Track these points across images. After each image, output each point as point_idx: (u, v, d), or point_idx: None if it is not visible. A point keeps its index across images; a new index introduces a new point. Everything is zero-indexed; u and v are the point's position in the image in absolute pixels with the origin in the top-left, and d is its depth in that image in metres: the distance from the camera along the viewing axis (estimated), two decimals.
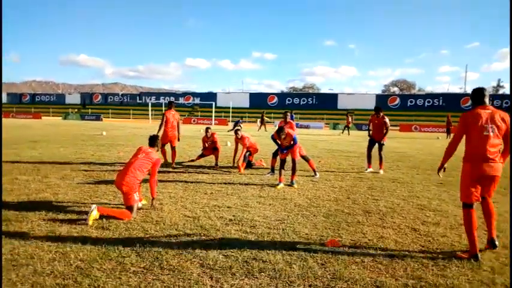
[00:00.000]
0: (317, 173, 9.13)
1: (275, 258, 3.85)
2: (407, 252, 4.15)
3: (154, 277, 3.38)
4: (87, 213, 5.05)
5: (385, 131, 9.84)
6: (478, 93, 4.18)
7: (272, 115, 45.05)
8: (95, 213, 4.87)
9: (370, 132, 10.21)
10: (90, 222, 4.79)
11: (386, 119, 9.92)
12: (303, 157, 9.14)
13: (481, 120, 4.00)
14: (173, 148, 10.24)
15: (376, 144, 10.00)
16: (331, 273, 3.55)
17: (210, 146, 10.76)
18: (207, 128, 10.98)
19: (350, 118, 33.25)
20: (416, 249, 4.29)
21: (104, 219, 4.95)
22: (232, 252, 4.00)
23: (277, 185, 7.62)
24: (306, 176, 9.10)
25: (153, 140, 5.96)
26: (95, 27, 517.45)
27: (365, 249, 4.22)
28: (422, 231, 4.94)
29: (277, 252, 4.03)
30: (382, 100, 64.96)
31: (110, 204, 5.91)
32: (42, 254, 3.81)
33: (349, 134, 31.80)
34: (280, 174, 7.82)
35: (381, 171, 9.66)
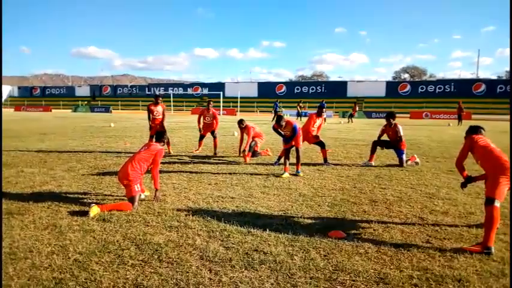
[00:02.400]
0: (328, 162, 9.00)
1: (276, 250, 3.76)
2: (413, 243, 4.02)
3: (152, 270, 3.32)
4: (90, 204, 5.03)
5: (398, 139, 8.92)
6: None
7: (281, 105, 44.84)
8: (95, 209, 4.83)
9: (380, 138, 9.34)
10: (91, 215, 4.76)
11: (399, 128, 8.96)
12: (319, 143, 9.03)
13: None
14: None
15: (393, 150, 9.24)
16: (333, 264, 3.45)
17: (209, 123, 10.83)
18: (210, 101, 11.08)
19: (357, 107, 32.96)
20: (423, 239, 4.16)
21: (106, 211, 4.92)
22: (233, 244, 3.93)
23: (282, 174, 7.51)
24: (313, 164, 8.98)
25: (159, 135, 5.86)
26: (104, 18, 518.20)
27: (370, 239, 4.11)
28: (430, 221, 4.80)
29: (279, 243, 3.95)
30: (392, 87, 64.03)
31: (113, 196, 5.88)
32: (41, 247, 3.78)
33: (352, 122, 31.55)
34: (285, 163, 7.72)
35: (409, 162, 9.04)
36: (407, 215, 5.05)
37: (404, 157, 8.95)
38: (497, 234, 4.08)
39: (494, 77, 76.76)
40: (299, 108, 33.86)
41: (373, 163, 9.11)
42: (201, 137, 11.18)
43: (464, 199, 5.86)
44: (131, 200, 5.16)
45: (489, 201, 3.87)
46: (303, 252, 3.72)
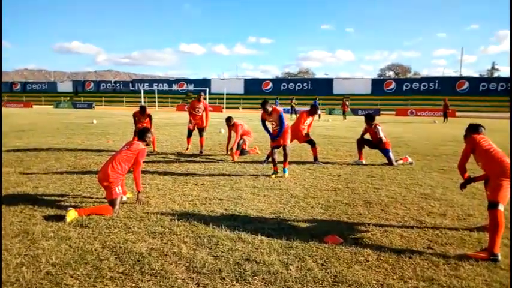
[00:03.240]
0: (319, 161, 8.76)
1: (270, 259, 3.47)
2: (414, 248, 3.78)
3: (133, 284, 3.00)
4: (67, 208, 4.66)
5: (379, 140, 8.74)
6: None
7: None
8: (72, 214, 4.46)
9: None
10: (68, 220, 4.39)
11: (378, 129, 8.76)
12: (310, 141, 8.78)
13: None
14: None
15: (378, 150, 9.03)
16: (332, 275, 3.18)
17: (199, 115, 10.25)
18: (201, 93, 10.50)
19: (347, 103, 32.82)
20: (424, 244, 3.92)
21: (84, 216, 4.56)
22: (222, 252, 3.62)
23: (272, 174, 7.22)
24: (303, 163, 8.72)
25: (142, 134, 5.45)
26: (88, 12, 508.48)
27: (368, 245, 3.85)
28: (428, 224, 4.58)
29: (272, 251, 3.65)
30: (377, 84, 64.47)
31: (92, 198, 5.50)
32: (10, 259, 3.40)
33: (345, 119, 31.52)
34: (273, 163, 7.40)
35: (400, 161, 8.85)
36: (404, 218, 4.82)
37: (391, 155, 8.76)
38: (502, 239, 3.88)
39: (476, 75, 78.03)
40: (294, 105, 33.40)
41: (363, 161, 8.92)
42: (189, 133, 10.53)
43: (460, 200, 5.67)
44: (111, 203, 4.80)
45: (493, 205, 3.65)
46: (298, 261, 3.44)
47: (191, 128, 10.38)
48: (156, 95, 56.07)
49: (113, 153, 5.87)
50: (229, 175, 7.30)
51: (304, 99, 60.04)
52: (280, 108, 7.47)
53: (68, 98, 68.64)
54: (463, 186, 4.58)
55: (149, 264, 3.34)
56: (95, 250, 3.62)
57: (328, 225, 4.50)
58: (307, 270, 3.27)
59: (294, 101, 34.09)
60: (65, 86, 79.70)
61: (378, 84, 64.84)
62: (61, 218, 4.45)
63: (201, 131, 10.26)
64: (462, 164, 4.45)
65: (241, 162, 8.84)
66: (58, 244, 3.75)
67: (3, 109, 46.04)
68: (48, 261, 3.35)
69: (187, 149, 10.59)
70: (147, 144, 5.38)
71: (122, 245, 3.76)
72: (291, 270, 3.26)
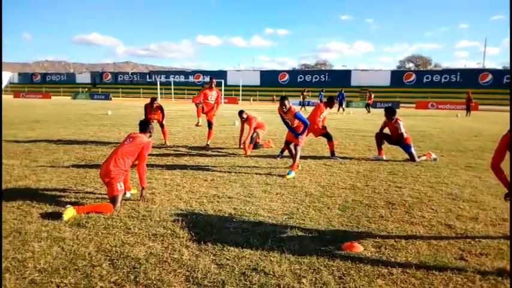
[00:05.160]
0: (336, 156, 8.30)
1: (280, 269, 3.08)
2: (445, 260, 3.33)
3: None
4: (66, 205, 4.38)
5: (400, 135, 8.25)
6: None
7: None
8: (70, 212, 4.16)
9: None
10: (65, 218, 4.09)
11: (400, 124, 8.26)
12: (326, 135, 8.33)
13: None
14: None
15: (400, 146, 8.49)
16: None
17: (211, 104, 9.72)
18: (212, 79, 9.77)
19: (372, 95, 31.77)
20: (455, 254, 3.47)
21: (83, 214, 4.25)
22: (227, 259, 3.24)
23: (288, 174, 6.64)
24: (319, 158, 8.28)
25: (143, 125, 5.11)
26: (107, 5, 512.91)
27: (392, 255, 3.42)
28: (458, 229, 4.11)
29: (283, 259, 3.26)
30: (397, 76, 62.93)
31: (95, 194, 5.20)
32: None
33: (369, 112, 30.62)
34: (293, 160, 6.86)
35: (424, 158, 8.31)
36: (431, 222, 4.35)
37: (413, 151, 8.21)
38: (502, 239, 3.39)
39: (500, 67, 75.43)
40: (302, 98, 32.73)
41: (384, 157, 8.40)
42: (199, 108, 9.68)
43: (492, 202, 5.15)
44: (113, 200, 4.48)
45: None
46: (312, 273, 3.03)
47: (200, 124, 9.82)
48: (172, 87, 56.03)
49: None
50: (240, 170, 6.92)
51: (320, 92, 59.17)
52: (296, 109, 6.91)
53: (86, 89, 69.38)
54: (507, 196, 3.77)
55: (145, 272, 2.99)
56: (89, 254, 3.29)
57: (347, 229, 4.08)
58: (323, 284, 2.86)
59: (304, 92, 33.28)
60: (84, 78, 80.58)
61: (397, 76, 63.31)
62: (58, 216, 4.15)
63: (210, 123, 9.82)
64: (496, 164, 3.90)
65: (254, 156, 8.45)
66: (50, 246, 3.44)
67: (22, 100, 46.72)
68: (36, 267, 3.04)
69: (198, 123, 9.83)
70: (150, 136, 5.05)
71: (119, 248, 3.42)
72: (303, 283, 2.86)
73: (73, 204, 4.52)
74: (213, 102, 9.72)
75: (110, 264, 3.13)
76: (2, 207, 4.48)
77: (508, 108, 40.25)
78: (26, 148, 8.79)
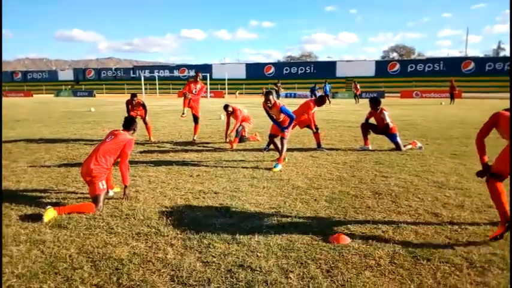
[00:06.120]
0: (322, 147, 8.27)
1: (267, 264, 3.02)
2: (432, 249, 3.32)
3: None
4: (46, 206, 4.24)
5: (385, 125, 8.27)
6: None
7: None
8: (50, 213, 4.03)
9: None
10: (46, 220, 3.97)
11: (385, 114, 8.28)
12: (312, 127, 8.29)
13: None
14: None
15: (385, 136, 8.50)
16: (339, 285, 2.73)
17: (196, 97, 9.50)
18: (198, 72, 9.74)
19: (358, 86, 31.87)
20: (443, 242, 3.46)
21: (64, 214, 4.13)
22: (213, 256, 3.18)
23: (274, 167, 6.62)
24: (305, 150, 8.25)
25: (128, 122, 4.95)
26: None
27: (379, 245, 3.39)
28: (445, 217, 4.12)
29: (270, 254, 3.20)
30: (381, 66, 63.28)
31: (76, 193, 5.07)
32: None
33: (357, 102, 30.76)
34: (279, 153, 6.81)
35: (409, 146, 8.35)
36: (417, 210, 4.35)
37: (399, 140, 8.24)
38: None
39: (482, 55, 76.51)
40: (277, 89, 32.22)
41: (369, 147, 8.41)
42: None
43: (478, 188, 5.19)
44: (95, 199, 4.36)
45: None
46: (300, 267, 2.99)
47: (184, 115, 9.64)
48: (157, 82, 55.38)
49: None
50: (227, 165, 6.84)
51: (306, 83, 59.20)
52: (281, 103, 6.82)
53: (69, 87, 68.11)
54: (479, 174, 3.86)
55: (128, 273, 2.90)
56: (70, 257, 3.18)
57: (334, 220, 4.04)
58: (310, 278, 2.82)
59: (278, 84, 33.11)
60: (66, 75, 78.97)
61: (381, 66, 63.66)
62: (38, 218, 4.02)
63: (196, 118, 9.66)
64: (480, 138, 3.85)
65: (240, 150, 8.37)
66: (29, 250, 3.32)
67: (3, 99, 45.64)
68: (13, 272, 2.92)
69: (183, 114, 9.66)
70: (134, 133, 4.93)
71: (101, 249, 3.32)
72: (291, 279, 2.82)
73: (54, 205, 4.39)
74: (196, 94, 9.52)
75: (91, 266, 3.03)
76: None
77: (491, 95, 40.96)
78: (5, 148, 8.55)
